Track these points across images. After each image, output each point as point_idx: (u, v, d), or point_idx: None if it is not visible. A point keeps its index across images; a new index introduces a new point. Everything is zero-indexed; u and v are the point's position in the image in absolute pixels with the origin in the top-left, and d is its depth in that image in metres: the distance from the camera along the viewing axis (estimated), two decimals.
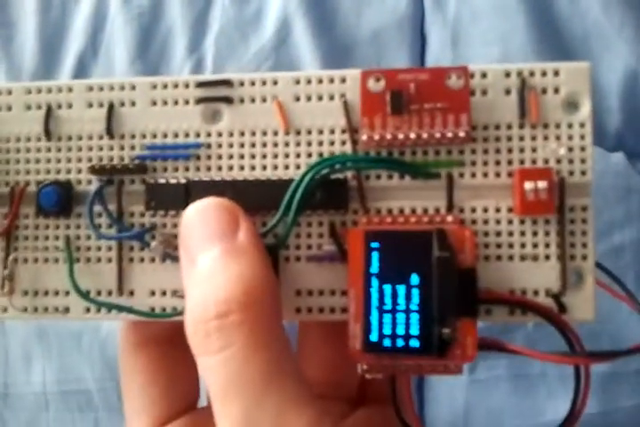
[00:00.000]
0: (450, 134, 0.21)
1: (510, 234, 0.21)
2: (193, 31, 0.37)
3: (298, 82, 0.22)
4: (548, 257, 0.21)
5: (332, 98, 0.22)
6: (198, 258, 0.19)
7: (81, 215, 0.22)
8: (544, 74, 0.21)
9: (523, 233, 0.21)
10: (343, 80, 0.22)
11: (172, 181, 0.22)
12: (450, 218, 0.21)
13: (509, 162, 0.21)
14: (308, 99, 0.22)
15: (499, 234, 0.21)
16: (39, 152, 0.23)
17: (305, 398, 0.18)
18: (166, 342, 0.23)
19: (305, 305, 0.21)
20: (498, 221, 0.21)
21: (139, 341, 0.23)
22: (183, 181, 0.22)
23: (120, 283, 0.22)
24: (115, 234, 0.22)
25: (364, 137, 0.21)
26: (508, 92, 0.21)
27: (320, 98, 0.22)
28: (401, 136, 0.21)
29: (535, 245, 0.21)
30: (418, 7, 0.35)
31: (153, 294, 0.22)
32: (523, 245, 0.21)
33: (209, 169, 0.22)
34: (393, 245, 0.20)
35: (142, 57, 0.37)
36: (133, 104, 0.22)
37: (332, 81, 0.22)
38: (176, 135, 0.22)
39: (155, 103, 0.22)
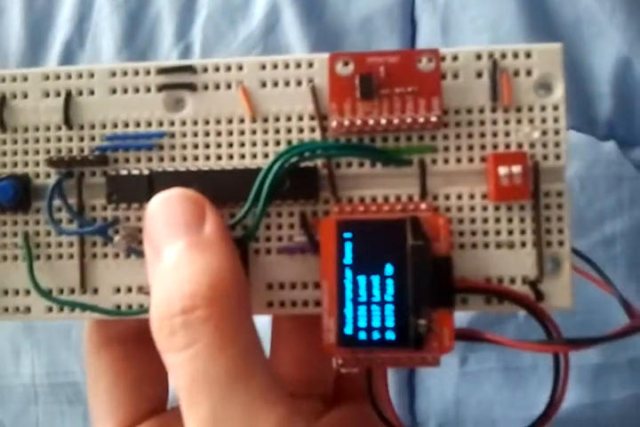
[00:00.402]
0: (421, 119, 0.20)
1: (485, 221, 0.21)
2: (180, 18, 0.36)
3: (264, 67, 0.21)
4: (524, 244, 0.20)
5: (299, 83, 0.21)
6: (163, 251, 0.18)
7: (40, 210, 0.21)
8: (516, 56, 0.21)
9: (498, 220, 0.21)
10: (310, 64, 0.21)
11: (135, 172, 0.21)
12: (423, 205, 0.20)
13: (482, 147, 0.21)
14: (275, 84, 0.21)
15: (473, 221, 0.21)
16: None
17: (275, 397, 0.17)
18: (132, 341, 0.22)
19: (277, 299, 0.21)
20: (472, 208, 0.21)
21: (102, 341, 0.22)
22: (146, 172, 0.21)
23: (83, 280, 0.21)
24: (76, 229, 0.21)
25: (334, 123, 0.20)
26: (479, 74, 0.21)
27: (287, 83, 0.21)
28: (371, 122, 0.20)
29: (510, 232, 0.21)
30: None
31: (118, 291, 0.21)
32: (498, 233, 0.21)
33: (173, 159, 0.21)
34: (366, 235, 0.20)
35: (129, 45, 0.36)
36: (92, 93, 0.21)
37: (299, 65, 0.21)
38: (138, 125, 0.21)
39: (114, 91, 0.21)
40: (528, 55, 0.21)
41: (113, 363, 0.22)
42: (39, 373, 0.35)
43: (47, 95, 0.21)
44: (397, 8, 0.34)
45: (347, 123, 0.20)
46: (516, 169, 0.20)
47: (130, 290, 0.21)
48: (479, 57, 0.21)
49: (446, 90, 0.21)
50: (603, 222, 0.30)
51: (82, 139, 0.21)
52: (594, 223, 0.30)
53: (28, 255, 0.21)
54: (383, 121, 0.20)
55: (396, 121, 0.20)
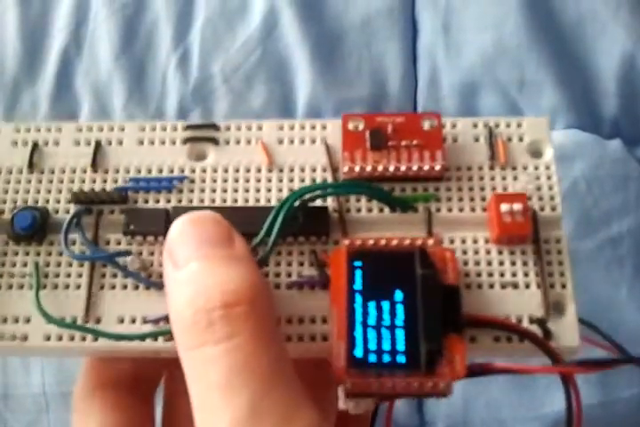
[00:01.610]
0: (427, 167, 0.22)
1: (489, 263, 0.21)
2: (178, 23, 0.36)
3: (281, 128, 0.23)
4: (528, 285, 0.21)
5: (313, 141, 0.23)
6: (190, 262, 0.18)
7: (54, 243, 0.22)
8: (508, 125, 0.23)
9: (501, 262, 0.21)
10: (324, 127, 0.23)
11: (152, 206, 0.22)
12: (430, 241, 0.21)
13: (483, 198, 0.22)
14: (291, 142, 0.23)
15: (478, 263, 0.21)
16: (19, 183, 0.23)
17: (306, 399, 0.17)
18: (125, 386, 0.21)
19: (284, 333, 0.20)
20: (476, 251, 0.21)
21: (97, 383, 0.21)
22: (163, 207, 0.22)
23: (87, 309, 0.21)
24: (89, 255, 0.21)
25: (346, 168, 0.22)
26: (476, 139, 0.23)
27: (302, 141, 0.23)
28: (380, 168, 0.22)
29: (514, 274, 0.21)
30: None
31: (122, 321, 0.21)
32: (502, 274, 0.21)
33: (191, 201, 0.22)
34: (376, 264, 0.20)
35: (127, 51, 0.36)
36: (120, 143, 0.23)
37: (313, 128, 0.23)
38: (160, 171, 0.23)
39: (142, 142, 0.23)
40: (519, 125, 0.23)
41: (104, 406, 0.21)
42: (49, 381, 0.32)
43: (78, 144, 0.23)
44: (398, 8, 0.34)
45: (357, 169, 0.22)
46: (517, 206, 0.21)
47: (134, 321, 0.20)
48: (475, 126, 0.23)
49: (447, 150, 0.23)
50: (609, 222, 0.30)
51: (105, 180, 0.22)
52: (601, 223, 0.30)
53: (36, 282, 0.21)
54: (392, 168, 0.22)
55: (403, 168, 0.22)
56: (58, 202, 0.22)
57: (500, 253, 0.21)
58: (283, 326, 0.20)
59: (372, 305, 0.20)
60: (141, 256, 0.21)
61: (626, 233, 0.31)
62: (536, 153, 0.23)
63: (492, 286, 0.21)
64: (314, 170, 0.23)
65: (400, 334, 0.19)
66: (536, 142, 0.23)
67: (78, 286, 0.21)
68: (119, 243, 0.22)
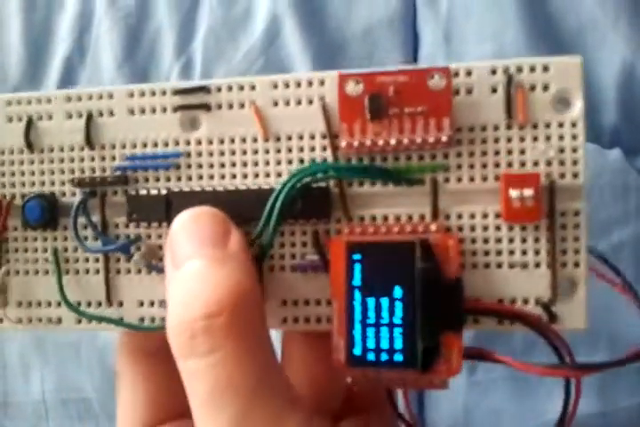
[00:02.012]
0: (431, 139, 0.20)
1: (498, 241, 0.20)
2: (181, 32, 0.36)
3: (275, 86, 0.21)
4: (537, 265, 0.20)
5: (310, 102, 0.21)
6: (187, 262, 0.19)
7: (67, 227, 0.22)
8: (532, 69, 0.20)
9: (511, 240, 0.20)
10: (322, 82, 0.21)
11: (153, 192, 0.21)
12: (433, 227, 0.20)
13: (496, 165, 0.20)
14: (287, 103, 0.21)
15: (486, 241, 0.20)
16: (22, 164, 0.22)
17: (296, 402, 0.18)
18: (159, 352, 0.23)
19: (291, 315, 0.21)
20: (485, 228, 0.20)
21: (134, 348, 0.23)
22: (164, 191, 0.21)
23: (108, 294, 0.22)
24: (100, 247, 0.22)
25: (343, 143, 0.20)
26: (494, 90, 0.20)
27: (299, 102, 0.21)
28: (381, 142, 0.20)
29: (524, 253, 0.20)
30: (409, 3, 0.34)
31: (141, 304, 0.22)
32: (511, 253, 0.20)
33: (190, 178, 0.22)
34: (375, 257, 0.20)
35: (130, 60, 0.36)
36: (112, 113, 0.22)
37: (310, 84, 0.21)
38: (155, 144, 0.22)
39: (132, 112, 0.22)
40: (545, 69, 0.20)
41: (142, 369, 0.23)
42: (49, 389, 0.36)
43: (70, 117, 0.22)
44: (399, 18, 0.33)
45: (356, 143, 0.20)
46: (528, 192, 0.19)
47: (152, 304, 0.22)
48: (494, 72, 0.20)
49: (459, 106, 0.20)
50: (610, 231, 0.29)
51: (103, 159, 0.22)
52: (601, 232, 0.29)
53: (57, 271, 0.22)
54: (393, 141, 0.20)
55: (405, 141, 0.20)
56: (62, 184, 0.22)
57: (511, 229, 0.20)
58: (289, 308, 0.21)
59: (371, 302, 0.20)
60: (150, 240, 0.22)
61: (626, 242, 0.29)
62: (562, 105, 0.20)
63: (499, 266, 0.20)
64: (312, 137, 0.21)
65: (397, 333, 0.20)
66: (564, 91, 0.20)
67: (97, 271, 0.22)
68: (127, 226, 0.22)
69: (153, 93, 0.22)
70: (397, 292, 0.20)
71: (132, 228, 0.22)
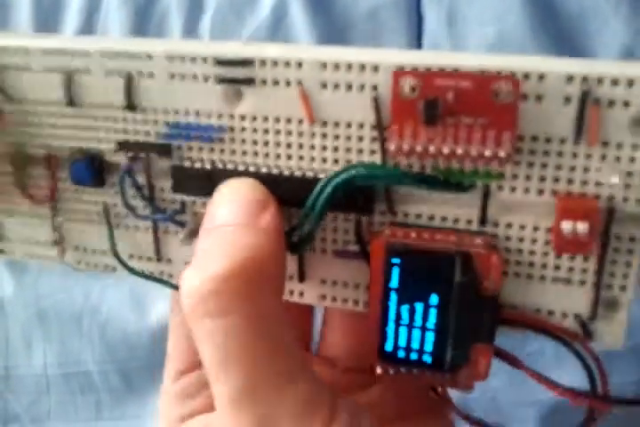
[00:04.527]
0: (488, 153, 0.18)
1: (545, 254, 0.19)
2: (188, 12, 0.34)
3: (324, 66, 0.19)
4: (582, 282, 0.19)
5: (362, 88, 0.19)
6: (218, 224, 0.20)
7: (114, 185, 0.22)
8: (615, 83, 0.17)
9: (559, 256, 0.19)
10: (375, 69, 0.19)
11: (197, 164, 0.21)
12: (479, 240, 0.19)
13: (556, 180, 0.18)
14: (336, 87, 0.19)
15: (533, 253, 0.19)
16: (67, 118, 0.22)
17: (301, 372, 0.19)
18: None
19: (329, 294, 0.22)
20: (534, 241, 0.19)
21: None
22: (207, 166, 0.21)
23: (158, 251, 0.23)
24: (148, 215, 0.22)
25: (392, 147, 0.19)
26: (567, 100, 0.18)
27: (349, 87, 0.19)
28: (432, 149, 0.18)
29: (571, 269, 0.19)
30: None
31: (187, 263, 0.23)
32: (557, 268, 0.19)
33: (234, 153, 0.21)
34: (414, 264, 0.20)
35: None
36: (151, 76, 0.21)
37: (363, 68, 0.19)
38: (197, 114, 0.21)
39: (173, 77, 0.20)
40: (630, 84, 0.17)
41: (182, 323, 0.25)
42: (51, 363, 0.36)
43: (110, 74, 0.21)
44: (403, 0, 0.32)
45: (406, 147, 0.18)
46: (582, 227, 0.18)
47: None
48: (570, 79, 0.17)
49: (525, 113, 0.18)
50: None
51: (146, 122, 0.21)
52: None
53: (108, 229, 0.23)
54: (446, 150, 0.18)
55: (459, 152, 0.18)
56: (107, 142, 0.22)
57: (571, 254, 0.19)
58: (328, 287, 0.22)
59: (405, 306, 0.20)
60: (194, 208, 0.22)
61: None
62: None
63: (542, 279, 0.20)
64: (361, 126, 0.19)
65: (430, 337, 0.20)
66: None
67: (147, 229, 0.23)
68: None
69: (193, 60, 0.20)
70: (434, 299, 0.20)
71: (177, 194, 0.22)
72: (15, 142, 0.23)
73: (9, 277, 0.37)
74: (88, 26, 0.36)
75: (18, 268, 0.37)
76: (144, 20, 0.34)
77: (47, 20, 0.36)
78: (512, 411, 0.32)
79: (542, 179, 0.19)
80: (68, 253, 0.24)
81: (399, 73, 0.18)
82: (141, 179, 0.22)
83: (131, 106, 0.21)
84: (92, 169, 0.22)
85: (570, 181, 0.18)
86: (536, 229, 0.19)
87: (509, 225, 0.19)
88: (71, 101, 0.22)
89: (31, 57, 0.21)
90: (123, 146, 0.21)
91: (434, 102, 0.18)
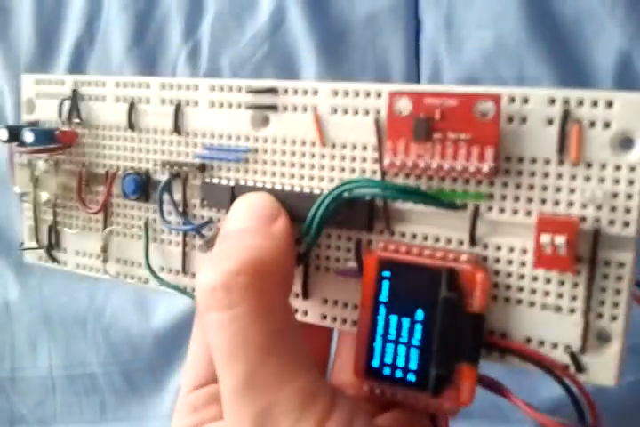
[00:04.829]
0: (472, 169, 0.19)
1: (534, 279, 0.19)
2: (188, 17, 0.36)
3: (336, 93, 0.21)
4: (572, 311, 0.19)
5: (367, 113, 0.21)
6: (233, 231, 0.21)
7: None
8: (595, 104, 0.18)
9: (548, 280, 0.19)
10: (379, 95, 0.20)
11: (223, 182, 0.23)
12: (464, 257, 0.20)
13: (543, 201, 0.19)
14: (345, 112, 0.21)
15: (522, 277, 0.19)
16: (126, 141, 0.25)
17: (302, 367, 0.19)
18: None
19: (330, 314, 0.22)
20: (523, 264, 0.19)
21: None
22: (232, 183, 0.23)
23: (184, 265, 0.25)
24: (178, 226, 0.24)
25: (387, 161, 0.20)
26: (550, 122, 0.18)
27: (356, 112, 0.21)
28: (422, 165, 0.19)
29: (560, 296, 0.19)
30: None
31: None
32: (546, 293, 0.19)
33: (255, 173, 0.23)
34: (403, 277, 0.20)
35: (138, 44, 0.37)
36: (196, 104, 0.24)
37: (368, 95, 0.21)
38: (230, 137, 0.23)
39: (213, 104, 0.23)
40: (609, 105, 0.18)
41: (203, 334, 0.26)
42: (56, 365, 0.37)
43: (164, 103, 0.24)
44: (401, 5, 0.34)
45: (398, 163, 0.20)
46: (560, 240, 0.18)
47: None
48: (552, 101, 0.18)
49: (511, 135, 0.19)
50: None
51: (187, 144, 0.24)
52: None
53: (145, 240, 0.25)
54: (434, 165, 0.19)
55: (446, 167, 0.19)
56: (155, 163, 0.25)
57: (550, 269, 0.19)
58: (329, 307, 0.22)
59: (393, 320, 0.20)
60: (219, 223, 0.24)
61: None
62: (622, 146, 0.18)
63: (532, 305, 0.19)
64: (365, 148, 0.21)
65: (414, 354, 0.20)
66: (626, 132, 0.18)
67: (178, 244, 0.25)
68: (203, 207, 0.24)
69: (230, 89, 0.23)
70: (419, 314, 0.20)
71: (206, 210, 0.24)
72: (84, 162, 0.26)
73: (14, 280, 0.39)
74: (89, 30, 0.38)
75: (23, 271, 0.39)
76: (144, 25, 0.37)
77: (48, 24, 0.39)
78: (511, 409, 0.30)
79: (530, 200, 0.19)
80: (110, 263, 0.26)
81: (394, 93, 0.20)
82: (178, 196, 0.24)
83: (177, 130, 0.24)
84: (140, 183, 0.25)
85: (556, 203, 0.19)
86: (524, 251, 0.19)
87: (499, 247, 0.20)
88: (131, 126, 0.25)
89: (106, 88, 0.25)
90: (165, 164, 0.24)
91: (423, 120, 0.19)
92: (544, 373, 0.19)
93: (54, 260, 0.28)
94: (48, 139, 0.26)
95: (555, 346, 0.19)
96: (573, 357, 0.19)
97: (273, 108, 0.22)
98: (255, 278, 0.19)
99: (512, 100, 0.19)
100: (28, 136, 0.25)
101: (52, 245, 0.28)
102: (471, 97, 0.19)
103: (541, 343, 0.19)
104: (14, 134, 0.26)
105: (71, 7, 0.40)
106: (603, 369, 0.19)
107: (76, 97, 0.26)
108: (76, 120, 0.26)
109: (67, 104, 0.26)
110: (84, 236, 0.27)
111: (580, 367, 0.19)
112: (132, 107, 0.25)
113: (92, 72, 0.39)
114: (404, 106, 0.19)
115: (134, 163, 0.25)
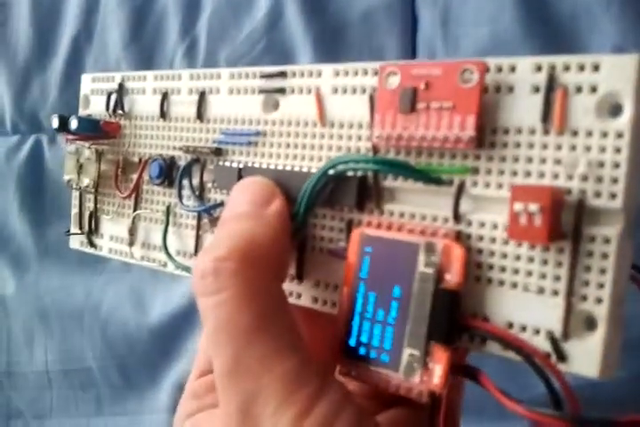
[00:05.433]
0: (453, 137, 0.18)
1: (517, 258, 0.18)
2: (186, 13, 0.37)
3: (337, 74, 0.21)
4: (555, 292, 0.17)
5: (364, 91, 0.21)
6: (229, 216, 0.21)
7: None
8: (581, 68, 0.17)
9: (531, 259, 0.18)
10: (375, 73, 0.20)
11: (234, 165, 0.24)
12: (442, 231, 0.19)
13: (527, 174, 0.18)
14: (344, 91, 0.21)
15: (504, 256, 0.18)
16: (157, 130, 0.26)
17: (289, 351, 0.19)
18: None
19: (321, 297, 0.22)
20: (505, 242, 0.18)
21: None
22: (241, 165, 0.23)
23: (196, 248, 0.25)
24: (192, 207, 0.25)
25: (376, 134, 0.20)
26: (536, 89, 0.18)
27: (354, 91, 0.21)
28: (406, 136, 0.19)
29: (543, 276, 0.18)
30: None
31: None
32: (529, 274, 0.18)
33: (263, 156, 0.23)
34: (383, 253, 0.19)
35: (136, 40, 0.38)
36: (218, 91, 0.24)
37: (365, 73, 0.21)
38: (244, 122, 0.24)
39: (232, 92, 0.24)
40: (596, 68, 0.17)
41: None
42: (52, 359, 0.37)
43: (191, 92, 0.25)
44: (398, 2, 0.33)
45: (385, 135, 0.19)
46: (533, 207, 0.17)
47: None
48: (539, 69, 0.17)
49: (497, 106, 0.18)
50: None
51: (207, 131, 0.25)
52: None
53: (165, 222, 0.26)
54: (418, 135, 0.19)
55: (429, 137, 0.19)
56: (179, 148, 0.26)
57: (533, 247, 0.18)
58: (320, 289, 0.22)
59: (372, 297, 0.20)
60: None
61: None
62: (609, 112, 0.17)
63: (514, 286, 0.18)
64: (360, 126, 0.21)
65: (389, 333, 0.19)
66: (612, 95, 0.16)
67: (192, 228, 0.25)
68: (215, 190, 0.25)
69: (247, 76, 0.24)
70: (396, 291, 0.19)
71: (219, 193, 0.24)
72: (123, 151, 0.28)
73: (10, 275, 0.39)
74: (87, 25, 0.38)
75: (19, 266, 0.39)
76: (142, 20, 0.38)
77: (46, 19, 0.40)
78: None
79: (514, 173, 0.18)
80: (135, 247, 0.27)
81: (384, 66, 0.20)
82: (196, 181, 0.25)
83: (199, 117, 0.25)
84: (165, 168, 0.26)
85: (541, 175, 0.17)
86: (506, 228, 0.18)
87: (482, 224, 0.19)
88: (162, 115, 0.26)
89: (146, 82, 0.27)
90: (187, 149, 0.25)
91: (408, 90, 0.19)
92: (523, 361, 0.18)
93: (92, 245, 0.29)
94: (93, 128, 0.28)
95: (537, 332, 0.18)
96: (555, 343, 0.17)
97: (281, 90, 0.23)
98: (243, 263, 0.19)
99: (499, 69, 0.18)
100: (73, 123, 0.27)
101: (92, 231, 0.29)
102: (456, 65, 0.18)
103: (523, 329, 0.18)
104: (63, 124, 0.28)
105: (69, 3, 0.41)
106: (586, 358, 0.17)
107: (121, 91, 0.28)
108: (120, 112, 0.28)
109: (113, 98, 0.28)
110: (117, 221, 0.28)
111: (561, 355, 0.17)
112: (164, 98, 0.26)
113: (89, 68, 0.40)
114: (394, 79, 0.19)
115: (164, 150, 0.26)
